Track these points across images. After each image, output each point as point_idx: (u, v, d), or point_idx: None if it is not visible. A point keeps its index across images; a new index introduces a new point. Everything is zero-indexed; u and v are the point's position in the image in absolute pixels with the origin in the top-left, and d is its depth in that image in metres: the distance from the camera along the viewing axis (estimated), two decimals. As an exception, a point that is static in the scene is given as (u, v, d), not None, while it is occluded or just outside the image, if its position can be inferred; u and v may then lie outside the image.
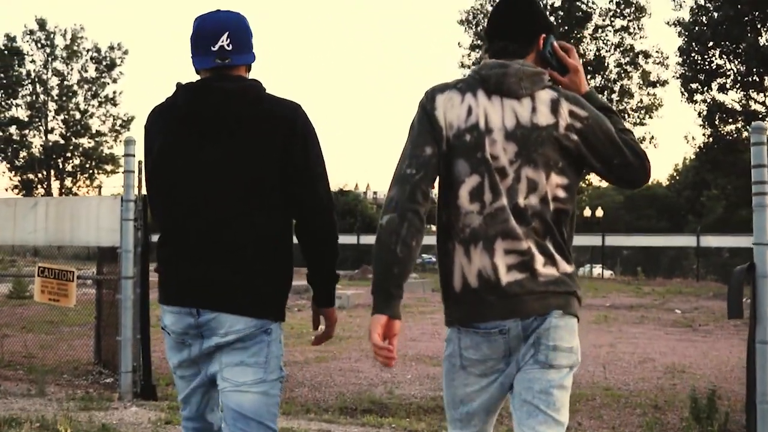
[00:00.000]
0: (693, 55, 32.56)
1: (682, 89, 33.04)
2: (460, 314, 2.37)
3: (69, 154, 52.62)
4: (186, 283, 2.51)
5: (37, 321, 11.27)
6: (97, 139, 52.68)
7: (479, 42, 40.98)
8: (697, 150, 34.73)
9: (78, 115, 52.41)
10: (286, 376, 2.64)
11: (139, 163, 6.20)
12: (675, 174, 64.36)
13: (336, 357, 9.20)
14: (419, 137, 2.35)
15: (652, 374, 8.28)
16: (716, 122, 32.83)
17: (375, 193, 74.61)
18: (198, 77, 2.59)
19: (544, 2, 39.75)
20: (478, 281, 2.31)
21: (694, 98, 32.87)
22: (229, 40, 2.51)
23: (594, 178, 43.01)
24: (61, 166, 52.79)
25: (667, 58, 39.56)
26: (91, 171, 52.99)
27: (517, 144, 2.31)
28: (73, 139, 52.35)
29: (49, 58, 52.15)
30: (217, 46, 2.50)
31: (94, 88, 52.65)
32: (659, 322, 14.52)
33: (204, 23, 2.54)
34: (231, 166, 2.47)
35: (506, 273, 2.29)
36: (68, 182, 52.85)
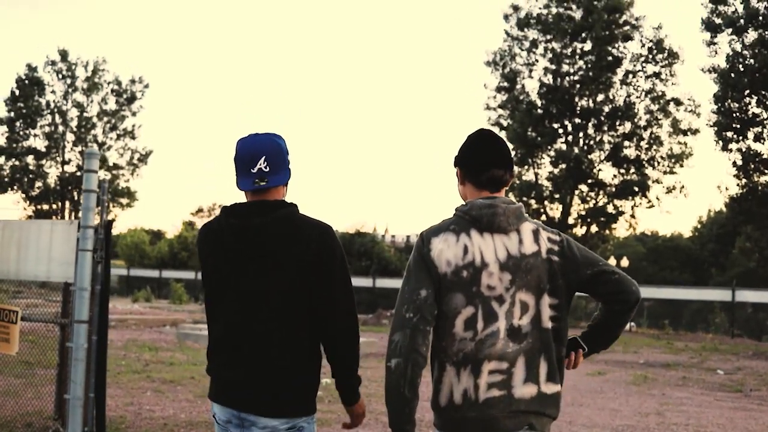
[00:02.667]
0: (729, 102, 31.28)
1: (717, 138, 31.68)
2: (444, 424, 2.64)
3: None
4: (229, 388, 2.81)
5: (11, 362, 10.04)
6: (114, 172, 51.83)
7: (506, 84, 39.85)
8: (729, 200, 33.31)
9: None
10: None
11: (101, 181, 5.06)
12: (699, 226, 62.68)
13: (340, 419, 7.91)
14: (415, 280, 2.61)
15: (718, 456, 6.93)
16: (751, 172, 31.44)
17: (393, 236, 73.47)
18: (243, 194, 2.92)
19: (572, 48, 38.65)
20: (462, 399, 2.57)
21: (729, 147, 31.53)
22: (266, 163, 2.79)
23: (620, 229, 41.64)
24: (76, 198, 51.92)
25: (699, 105, 38.31)
26: (106, 204, 52.06)
27: (510, 273, 2.59)
28: (90, 171, 51.62)
29: (70, 89, 51.51)
30: (255, 169, 2.79)
31: (113, 121, 51.97)
32: (704, 385, 13.07)
33: (243, 148, 2.83)
34: (270, 291, 2.77)
35: (485, 391, 2.55)
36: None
